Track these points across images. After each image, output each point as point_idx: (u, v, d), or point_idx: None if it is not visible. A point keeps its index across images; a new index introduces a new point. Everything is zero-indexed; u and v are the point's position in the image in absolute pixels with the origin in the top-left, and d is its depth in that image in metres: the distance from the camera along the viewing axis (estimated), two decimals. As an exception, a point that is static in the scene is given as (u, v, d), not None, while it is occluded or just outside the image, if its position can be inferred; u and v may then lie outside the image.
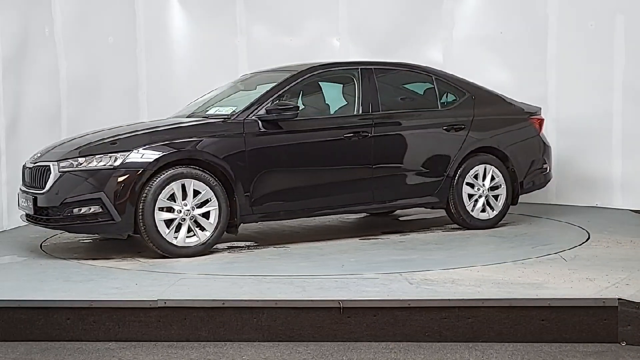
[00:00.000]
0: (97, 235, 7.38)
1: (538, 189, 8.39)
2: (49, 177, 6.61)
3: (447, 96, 7.92)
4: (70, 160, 6.56)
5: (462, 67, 8.66)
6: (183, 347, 4.85)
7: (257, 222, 7.17)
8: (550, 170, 8.35)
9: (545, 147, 8.27)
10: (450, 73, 8.21)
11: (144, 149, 6.53)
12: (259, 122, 6.94)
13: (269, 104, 7.02)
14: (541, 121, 8.32)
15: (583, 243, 6.97)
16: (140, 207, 6.43)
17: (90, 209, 6.43)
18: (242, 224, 6.93)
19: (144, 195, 6.44)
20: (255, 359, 4.63)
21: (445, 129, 7.67)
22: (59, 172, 6.55)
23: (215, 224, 6.68)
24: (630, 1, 9.07)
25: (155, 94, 10.34)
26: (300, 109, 7.14)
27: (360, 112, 7.40)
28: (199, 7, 10.46)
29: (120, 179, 6.42)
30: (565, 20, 9.43)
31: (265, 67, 8.29)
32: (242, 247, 7.17)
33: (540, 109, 8.45)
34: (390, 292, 5.18)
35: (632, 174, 9.16)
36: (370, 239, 7.43)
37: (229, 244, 7.21)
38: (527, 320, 4.85)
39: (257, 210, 6.90)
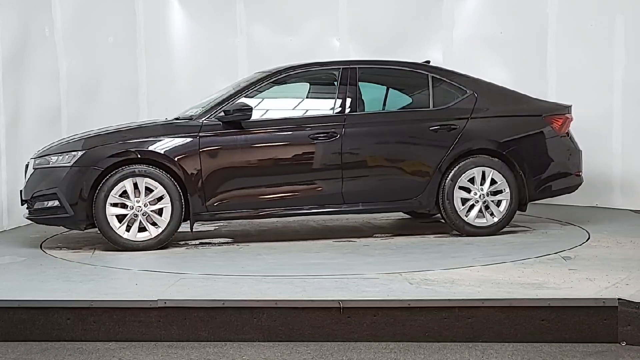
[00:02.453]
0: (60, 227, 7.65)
1: (560, 195, 7.88)
2: (28, 172, 7.26)
3: (442, 95, 7.59)
4: (45, 157, 7.12)
5: (462, 67, 8.62)
6: (183, 347, 4.85)
7: (212, 220, 7.55)
8: (576, 174, 7.72)
9: (568, 149, 7.67)
10: (453, 70, 7.89)
11: (97, 148, 6.99)
12: (221, 123, 7.11)
13: (229, 105, 7.15)
14: (564, 121, 7.64)
15: (583, 243, 6.97)
16: (94, 202, 6.86)
17: (54, 202, 6.95)
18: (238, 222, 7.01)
19: (97, 191, 6.87)
20: (255, 359, 4.64)
21: (432, 130, 7.35)
22: (33, 168, 7.17)
23: (167, 221, 6.92)
24: (630, 1, 9.07)
25: (155, 94, 10.34)
26: (267, 109, 7.32)
27: (335, 112, 7.34)
28: (199, 7, 10.46)
29: (73, 175, 6.91)
30: (565, 20, 9.43)
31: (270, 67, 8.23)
32: (213, 244, 7.37)
33: (569, 107, 7.80)
34: (390, 292, 5.18)
35: (632, 174, 9.16)
36: (344, 241, 7.32)
37: (202, 241, 7.47)
38: (527, 320, 4.85)
39: (212, 209, 7.06)
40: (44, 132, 8.85)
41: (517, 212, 7.57)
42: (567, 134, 7.71)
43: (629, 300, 4.81)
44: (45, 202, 6.98)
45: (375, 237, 7.56)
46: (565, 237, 7.31)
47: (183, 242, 7.37)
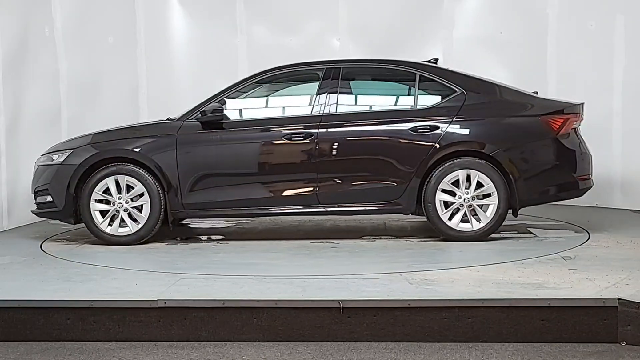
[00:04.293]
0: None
1: (562, 199, 7.45)
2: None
3: (429, 94, 7.33)
4: (48, 155, 7.54)
5: (462, 67, 8.62)
6: (183, 347, 4.85)
7: (189, 217, 7.81)
8: (581, 178, 7.27)
9: (565, 151, 7.20)
10: (446, 68, 7.61)
11: (84, 147, 7.36)
12: (200, 123, 7.29)
13: (207, 106, 7.30)
14: (564, 121, 7.16)
15: (583, 243, 6.97)
16: (79, 198, 7.28)
17: (49, 197, 7.36)
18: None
19: (82, 188, 7.26)
20: (255, 359, 4.64)
21: (412, 130, 7.10)
22: (38, 165, 7.60)
23: (146, 217, 7.21)
24: (630, 1, 9.07)
25: (155, 94, 10.35)
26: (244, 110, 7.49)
27: (313, 112, 7.28)
28: (199, 7, 10.46)
29: (61, 173, 7.32)
30: (565, 20, 9.43)
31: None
32: (201, 240, 7.60)
33: (577, 105, 7.35)
34: (390, 292, 5.18)
35: (632, 174, 9.15)
36: (320, 242, 7.27)
37: (192, 237, 7.79)
38: (527, 320, 4.85)
39: (188, 207, 7.27)
40: (44, 132, 8.85)
41: (514, 215, 7.29)
42: (576, 134, 7.32)
43: (629, 300, 4.81)
44: (44, 197, 7.41)
45: (363, 238, 7.49)
46: (565, 237, 7.31)
47: (176, 238, 7.59)
